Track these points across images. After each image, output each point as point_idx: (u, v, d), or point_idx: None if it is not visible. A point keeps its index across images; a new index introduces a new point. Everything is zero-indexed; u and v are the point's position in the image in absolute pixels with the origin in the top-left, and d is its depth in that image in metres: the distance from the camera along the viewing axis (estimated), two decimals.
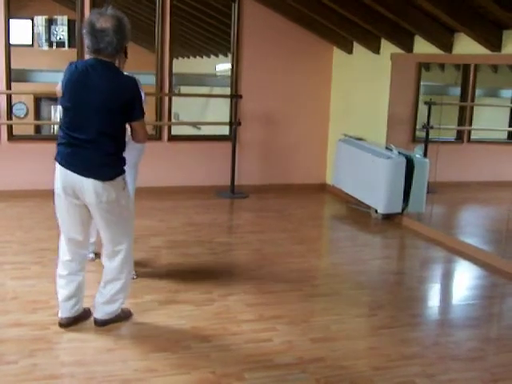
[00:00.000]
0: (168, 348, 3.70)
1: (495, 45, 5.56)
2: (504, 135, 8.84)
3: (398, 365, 3.64)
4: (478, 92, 8.20)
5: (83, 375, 3.36)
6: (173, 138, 7.67)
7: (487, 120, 8.89)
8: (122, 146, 3.73)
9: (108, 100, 3.57)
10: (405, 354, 3.77)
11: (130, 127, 3.76)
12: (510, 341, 4.08)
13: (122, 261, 3.88)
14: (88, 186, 3.64)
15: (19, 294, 4.42)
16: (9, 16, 6.92)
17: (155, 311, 4.24)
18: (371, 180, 6.70)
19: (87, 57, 3.72)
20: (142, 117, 3.73)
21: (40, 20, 10.23)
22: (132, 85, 3.67)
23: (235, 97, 7.70)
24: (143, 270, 4.99)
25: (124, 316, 4.06)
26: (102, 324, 3.95)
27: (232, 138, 7.63)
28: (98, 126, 3.59)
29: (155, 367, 3.48)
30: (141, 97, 3.71)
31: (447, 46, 6.12)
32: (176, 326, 4.00)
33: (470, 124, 8.20)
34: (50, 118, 10.65)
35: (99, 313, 3.96)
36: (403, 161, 6.49)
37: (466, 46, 5.91)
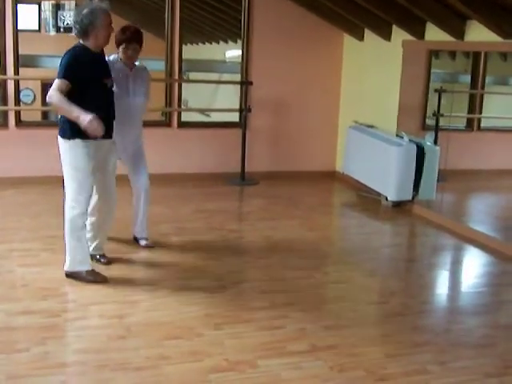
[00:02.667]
0: (181, 335, 3.70)
1: (507, 32, 5.50)
2: None
3: (410, 352, 3.64)
4: (487, 80, 8.13)
5: (95, 363, 3.35)
6: (182, 125, 7.64)
7: (497, 108, 8.82)
8: None
9: None
10: (417, 342, 3.77)
11: None
12: None
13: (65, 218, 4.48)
14: None
15: (29, 281, 4.42)
16: (16, 1, 6.87)
17: (167, 298, 4.24)
18: (382, 167, 6.67)
19: None
20: (59, 78, 4.23)
21: (47, 5, 10.20)
22: (65, 53, 4.34)
23: (245, 83, 7.66)
24: (154, 257, 5.00)
25: (84, 277, 4.44)
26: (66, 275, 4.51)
27: (242, 124, 7.60)
28: None
29: (168, 355, 3.47)
30: (63, 63, 4.26)
31: (459, 33, 6.07)
32: (188, 314, 3.99)
33: (480, 112, 8.14)
34: None
35: None
36: (414, 148, 6.46)
37: (478, 34, 5.86)
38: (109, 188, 4.67)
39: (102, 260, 4.77)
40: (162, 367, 3.35)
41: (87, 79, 4.32)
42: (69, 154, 4.39)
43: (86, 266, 4.46)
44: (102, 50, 4.57)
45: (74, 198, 4.39)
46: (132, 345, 3.59)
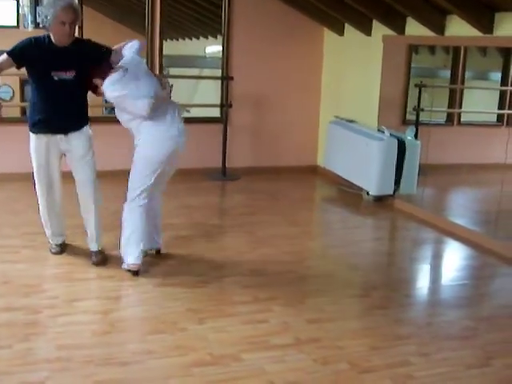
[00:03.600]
0: (165, 330, 3.70)
1: (487, 27, 5.54)
2: (493, 118, 8.84)
3: (393, 344, 3.66)
4: (467, 75, 8.19)
5: (80, 358, 3.34)
6: None
7: (477, 103, 8.89)
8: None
9: None
10: (399, 334, 3.80)
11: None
12: (502, 319, 4.12)
13: None
14: None
15: (10, 277, 4.38)
16: None
17: (150, 293, 4.24)
18: (363, 162, 6.70)
19: None
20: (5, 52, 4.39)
21: (25, 0, 10.10)
22: None
23: (226, 78, 7.64)
24: None
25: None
26: None
27: (223, 120, 7.59)
28: None
29: (153, 349, 3.47)
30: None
31: (439, 28, 6.10)
32: (172, 308, 3.99)
33: (460, 106, 8.20)
34: None
35: None
36: (395, 142, 6.50)
37: (459, 29, 5.89)
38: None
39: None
40: (147, 362, 3.35)
41: (33, 68, 4.41)
42: (30, 145, 4.66)
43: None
44: (79, 42, 4.52)
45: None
46: (116, 340, 3.59)
